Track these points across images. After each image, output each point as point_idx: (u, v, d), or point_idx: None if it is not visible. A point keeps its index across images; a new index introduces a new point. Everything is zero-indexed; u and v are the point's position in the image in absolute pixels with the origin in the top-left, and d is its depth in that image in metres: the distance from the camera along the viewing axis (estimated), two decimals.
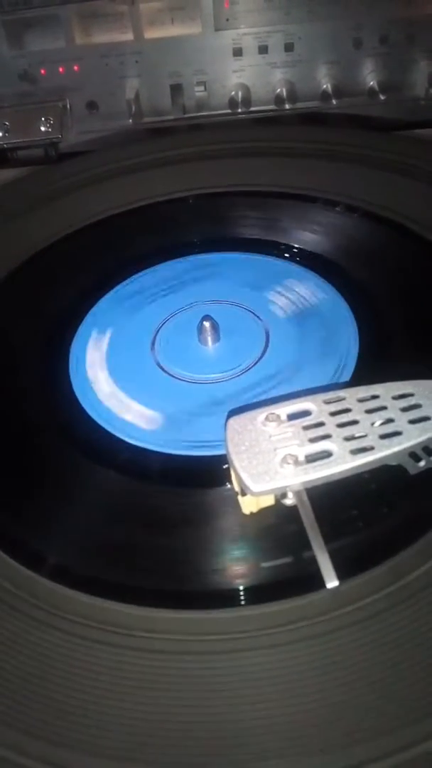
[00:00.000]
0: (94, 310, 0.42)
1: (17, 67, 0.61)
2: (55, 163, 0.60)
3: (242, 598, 0.28)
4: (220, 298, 0.41)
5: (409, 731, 0.23)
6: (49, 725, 0.24)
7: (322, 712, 0.24)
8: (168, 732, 0.24)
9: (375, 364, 0.36)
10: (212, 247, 0.45)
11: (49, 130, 0.59)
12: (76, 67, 0.61)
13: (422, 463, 0.29)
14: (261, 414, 0.30)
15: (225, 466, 0.31)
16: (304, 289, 0.41)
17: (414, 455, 0.29)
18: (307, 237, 0.45)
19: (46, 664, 0.26)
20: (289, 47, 0.61)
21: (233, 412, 0.30)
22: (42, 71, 0.61)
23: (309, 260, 0.43)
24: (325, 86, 0.61)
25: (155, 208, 0.49)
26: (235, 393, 0.36)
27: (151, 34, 0.60)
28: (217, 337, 0.38)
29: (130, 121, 0.62)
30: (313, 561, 0.27)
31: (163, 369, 0.38)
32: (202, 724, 0.24)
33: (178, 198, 0.49)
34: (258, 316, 0.40)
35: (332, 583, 0.26)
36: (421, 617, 0.25)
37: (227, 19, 0.60)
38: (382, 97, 0.60)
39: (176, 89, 0.62)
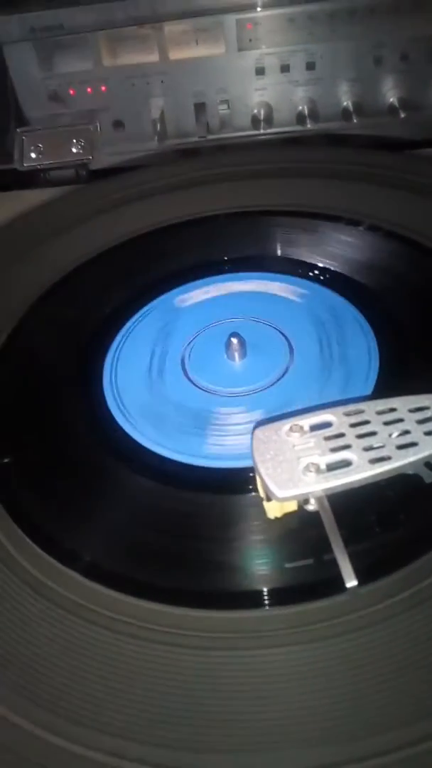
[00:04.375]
0: (128, 326, 0.44)
1: (47, 88, 0.64)
2: (85, 182, 0.62)
3: (267, 599, 0.29)
4: (247, 315, 0.43)
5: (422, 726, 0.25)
6: (90, 712, 0.26)
7: (339, 707, 0.25)
8: (190, 722, 0.26)
9: (394, 379, 0.37)
10: (240, 266, 0.47)
11: (80, 151, 0.62)
12: (103, 88, 0.64)
13: None
14: (285, 425, 0.31)
15: (251, 474, 0.33)
16: (326, 306, 0.43)
17: (429, 465, 0.30)
18: (328, 256, 0.46)
19: (85, 656, 0.28)
20: (310, 66, 0.62)
21: (259, 424, 0.32)
22: (71, 92, 0.64)
23: (331, 279, 0.45)
24: (346, 103, 0.63)
25: (181, 228, 0.51)
26: (261, 406, 0.37)
27: (176, 55, 0.62)
28: (244, 353, 0.40)
29: (156, 141, 0.64)
30: (332, 564, 0.28)
31: (192, 382, 0.40)
32: (218, 717, 0.26)
33: (207, 217, 0.51)
34: (283, 334, 0.41)
35: (351, 582, 0.28)
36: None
37: (250, 40, 0.61)
38: (402, 115, 0.61)
39: (200, 108, 0.64)
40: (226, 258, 0.48)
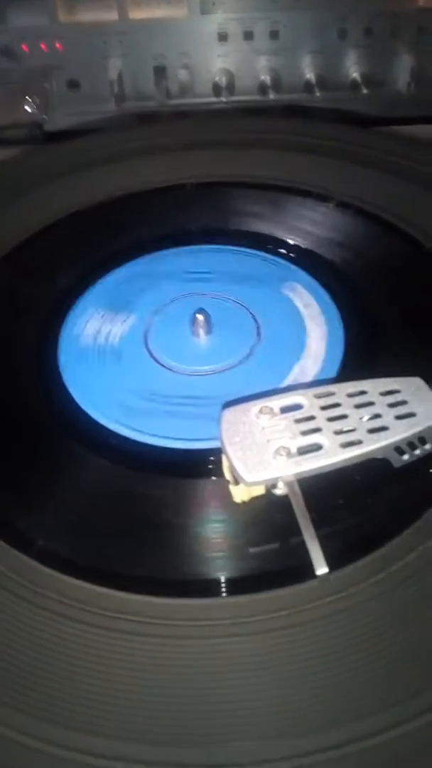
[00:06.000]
0: (86, 296, 0.42)
1: None
2: (41, 144, 0.59)
3: (231, 586, 0.28)
4: (214, 290, 0.42)
5: (392, 713, 0.24)
6: (42, 703, 0.25)
7: (307, 696, 0.25)
8: (153, 712, 0.25)
9: (361, 360, 0.37)
10: (206, 239, 0.45)
11: (35, 111, 0.59)
12: (58, 45, 0.61)
13: (406, 457, 0.30)
14: (255, 406, 0.30)
15: (212, 458, 0.32)
16: (293, 285, 0.42)
17: (399, 449, 0.30)
18: (295, 231, 0.45)
19: (39, 645, 0.27)
20: (274, 35, 0.61)
21: (227, 404, 0.31)
22: (24, 47, 0.61)
23: (297, 255, 0.44)
24: (308, 76, 0.62)
25: (140, 197, 0.49)
26: (224, 387, 0.36)
27: (136, 14, 0.60)
28: (209, 330, 0.38)
29: (113, 104, 0.61)
30: (302, 550, 0.28)
31: (154, 358, 0.38)
32: (183, 707, 0.25)
33: (172, 186, 0.49)
34: (249, 311, 0.40)
35: (322, 570, 0.27)
36: (405, 606, 0.27)
37: (213, 3, 0.60)
38: (364, 91, 0.61)
39: (160, 71, 0.62)
40: (185, 230, 0.46)
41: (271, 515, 0.30)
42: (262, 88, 0.62)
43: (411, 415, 0.30)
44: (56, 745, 0.24)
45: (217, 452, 0.31)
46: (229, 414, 0.30)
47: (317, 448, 0.29)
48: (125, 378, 0.37)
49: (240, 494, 0.30)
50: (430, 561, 0.28)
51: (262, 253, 0.44)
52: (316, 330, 0.39)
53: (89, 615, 0.28)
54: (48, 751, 0.24)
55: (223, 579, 0.29)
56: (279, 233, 0.45)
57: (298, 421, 0.30)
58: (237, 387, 0.36)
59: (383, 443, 0.29)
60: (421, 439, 0.30)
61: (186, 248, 0.45)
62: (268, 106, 0.63)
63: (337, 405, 0.31)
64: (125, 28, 0.60)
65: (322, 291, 0.41)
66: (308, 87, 0.62)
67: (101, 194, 0.49)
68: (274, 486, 0.30)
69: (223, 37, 0.61)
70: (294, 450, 0.29)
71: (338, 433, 0.30)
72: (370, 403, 0.31)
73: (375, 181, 0.47)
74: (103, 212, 0.48)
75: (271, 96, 0.62)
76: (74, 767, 0.24)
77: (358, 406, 0.30)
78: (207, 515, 0.31)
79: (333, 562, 0.28)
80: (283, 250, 0.44)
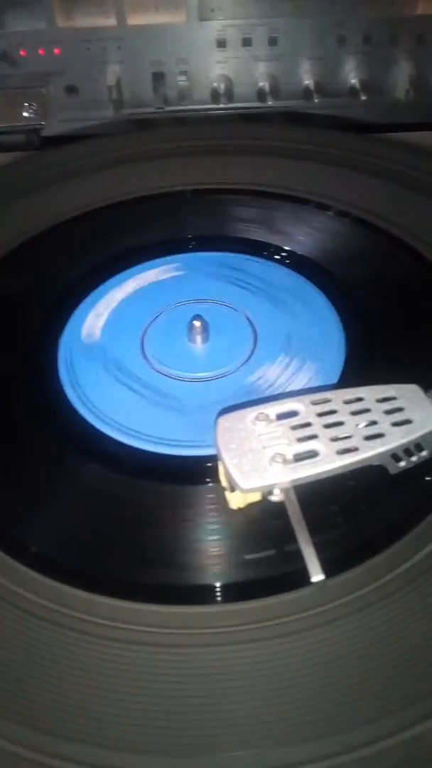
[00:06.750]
0: (84, 303, 0.42)
1: None
2: (37, 149, 0.59)
3: (227, 594, 0.28)
4: (210, 297, 0.42)
5: (386, 722, 0.24)
6: (39, 714, 0.25)
7: (305, 704, 0.25)
8: (150, 721, 0.25)
9: (360, 368, 0.37)
10: (203, 245, 0.45)
11: (32, 115, 0.59)
12: (57, 51, 0.61)
13: (402, 464, 0.30)
14: (251, 413, 0.30)
15: (209, 465, 0.32)
16: (292, 292, 0.42)
17: (395, 456, 0.30)
18: (296, 239, 0.45)
19: (31, 653, 0.27)
20: (272, 41, 0.61)
21: (223, 411, 0.31)
22: (22, 52, 0.61)
23: (297, 262, 0.44)
24: (307, 82, 0.62)
25: (144, 202, 0.49)
26: (221, 393, 0.36)
27: (134, 20, 0.60)
28: (206, 337, 0.38)
29: (111, 110, 0.61)
30: (298, 557, 0.28)
31: (150, 364, 0.38)
32: (183, 714, 0.25)
33: (171, 193, 0.49)
34: (247, 317, 0.40)
35: (317, 577, 0.27)
36: (401, 614, 0.27)
37: (212, 10, 0.60)
38: (363, 97, 0.61)
39: (158, 78, 0.62)
40: (182, 237, 0.46)
41: (267, 522, 0.30)
42: (261, 95, 0.62)
43: (408, 422, 0.30)
44: (55, 756, 0.24)
45: (213, 459, 0.31)
46: (225, 421, 0.30)
47: (313, 455, 0.29)
48: (122, 384, 0.37)
49: (236, 501, 0.30)
50: (426, 569, 0.28)
51: (260, 260, 0.44)
52: (315, 337, 0.39)
53: (85, 624, 0.27)
54: (48, 763, 0.24)
55: (219, 586, 0.29)
56: (276, 240, 0.45)
57: (294, 427, 0.30)
58: (233, 393, 0.36)
59: (380, 450, 0.29)
60: (418, 446, 0.30)
61: (183, 255, 0.45)
62: (267, 113, 0.63)
63: (333, 412, 0.31)
64: (123, 34, 0.60)
65: (320, 298, 0.41)
66: (307, 93, 0.62)
67: (98, 200, 0.49)
68: (270, 493, 0.29)
69: (221, 44, 0.61)
70: (290, 457, 0.29)
71: (335, 440, 0.30)
72: (367, 410, 0.30)
73: (373, 188, 0.47)
74: (100, 218, 0.48)
75: (270, 102, 0.62)
76: None
77: (355, 413, 0.30)
78: (203, 522, 0.31)
79: (329, 570, 0.27)
80: (280, 257, 0.44)
